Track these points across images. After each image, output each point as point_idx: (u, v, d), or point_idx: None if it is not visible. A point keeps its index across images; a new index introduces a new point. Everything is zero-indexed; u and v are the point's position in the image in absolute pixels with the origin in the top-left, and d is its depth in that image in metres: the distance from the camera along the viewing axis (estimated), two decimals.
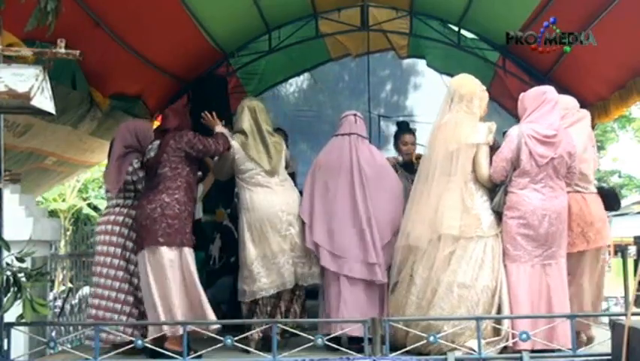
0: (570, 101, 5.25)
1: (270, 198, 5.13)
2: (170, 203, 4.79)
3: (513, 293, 4.72)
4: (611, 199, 5.47)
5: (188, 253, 4.82)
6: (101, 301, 4.98)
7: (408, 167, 5.82)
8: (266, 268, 5.07)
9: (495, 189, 4.88)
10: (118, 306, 4.96)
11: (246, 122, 5.28)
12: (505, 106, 8.58)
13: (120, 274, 5.01)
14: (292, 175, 5.86)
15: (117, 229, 5.06)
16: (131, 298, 4.99)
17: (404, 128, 6.13)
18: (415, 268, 4.83)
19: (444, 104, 5.02)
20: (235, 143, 5.24)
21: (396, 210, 5.17)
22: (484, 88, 5.09)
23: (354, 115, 5.46)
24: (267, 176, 5.18)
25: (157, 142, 4.99)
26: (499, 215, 4.84)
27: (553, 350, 4.53)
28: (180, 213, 4.81)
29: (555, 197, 4.76)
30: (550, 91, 4.92)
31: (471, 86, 4.99)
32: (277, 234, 5.09)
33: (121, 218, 5.08)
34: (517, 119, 5.15)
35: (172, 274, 4.74)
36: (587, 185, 5.08)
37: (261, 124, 5.27)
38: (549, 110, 4.82)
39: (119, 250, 5.03)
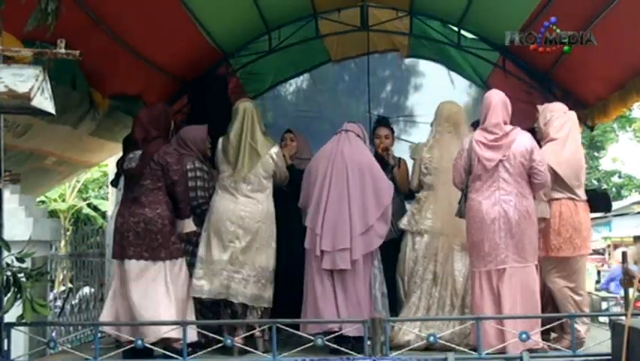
0: (556, 106, 5.40)
1: (226, 205, 5.09)
2: (153, 218, 4.81)
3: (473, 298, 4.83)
4: (602, 201, 5.52)
5: (173, 266, 4.83)
6: None
7: (379, 160, 5.88)
8: (203, 272, 5.05)
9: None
10: None
11: (232, 125, 5.29)
12: None
13: None
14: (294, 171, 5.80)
15: None
16: None
17: (380, 122, 6.40)
18: (435, 266, 5.33)
19: (434, 127, 5.68)
20: (220, 144, 5.28)
21: (374, 206, 5.19)
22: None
23: (351, 121, 5.64)
24: (235, 181, 5.14)
25: (138, 152, 4.95)
26: None
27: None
28: (163, 228, 4.82)
29: (508, 200, 4.74)
30: (488, 95, 5.05)
31: (461, 114, 5.72)
32: (220, 242, 5.05)
33: None
34: None
35: (141, 289, 4.75)
36: (578, 191, 5.11)
37: (244, 127, 5.21)
38: (492, 112, 4.90)
39: None
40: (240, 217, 5.06)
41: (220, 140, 5.31)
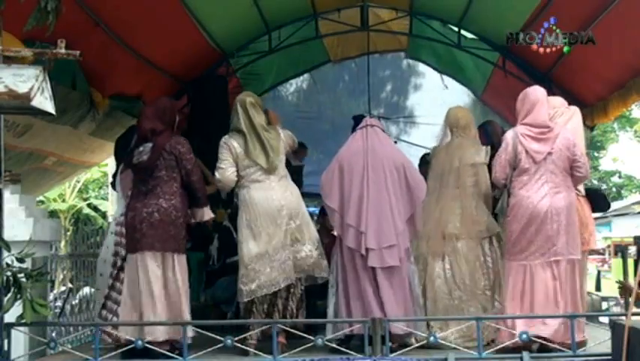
0: (557, 101, 5.34)
1: (268, 195, 5.07)
2: (168, 209, 4.78)
3: (510, 291, 4.76)
4: (600, 200, 5.53)
5: (179, 259, 4.82)
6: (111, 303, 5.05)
7: None
8: (267, 266, 4.98)
9: (498, 194, 5.10)
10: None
11: (240, 120, 5.21)
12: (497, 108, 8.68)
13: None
14: (300, 168, 5.87)
15: (119, 229, 5.13)
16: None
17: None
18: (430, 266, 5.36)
19: (442, 131, 5.69)
20: (234, 142, 5.19)
21: (409, 201, 5.17)
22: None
23: (370, 115, 5.72)
24: (265, 174, 5.12)
25: (149, 144, 4.89)
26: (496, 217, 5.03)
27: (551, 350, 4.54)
28: (176, 220, 4.80)
29: (557, 193, 4.77)
30: (532, 91, 5.00)
31: (468, 117, 5.67)
32: (278, 228, 5.01)
33: (122, 219, 5.09)
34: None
35: (161, 280, 4.75)
36: (581, 187, 5.14)
37: (254, 120, 5.17)
38: (539, 108, 4.89)
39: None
40: (286, 199, 5.10)
41: (228, 137, 5.20)
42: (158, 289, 4.73)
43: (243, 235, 5.08)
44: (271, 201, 5.06)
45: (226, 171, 5.12)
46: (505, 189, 4.94)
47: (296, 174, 5.92)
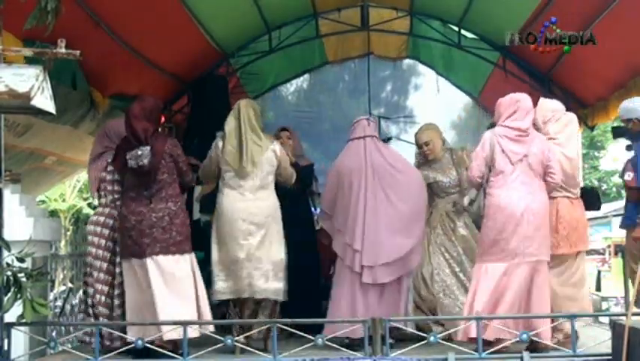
0: (556, 105, 5.36)
1: (234, 205, 5.07)
2: (177, 211, 4.82)
3: (480, 291, 4.76)
4: (592, 199, 5.56)
5: (192, 258, 4.90)
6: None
7: None
8: (224, 273, 5.07)
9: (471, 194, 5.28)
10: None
11: (228, 122, 5.23)
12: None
13: (102, 276, 5.05)
14: (309, 168, 5.89)
15: (99, 230, 5.09)
16: (108, 301, 5.02)
17: None
18: None
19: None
20: (220, 141, 5.20)
21: (413, 212, 5.23)
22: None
23: (367, 119, 5.61)
24: (239, 178, 5.10)
25: (147, 148, 4.78)
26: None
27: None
28: (185, 220, 4.90)
29: (532, 194, 4.79)
30: (524, 99, 5.01)
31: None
32: (234, 241, 5.03)
33: (102, 219, 5.09)
34: None
35: (180, 282, 4.76)
36: (575, 190, 5.17)
37: (242, 123, 5.14)
38: (522, 117, 4.92)
39: (102, 252, 5.06)
40: (250, 214, 5.04)
41: (218, 140, 5.22)
42: (163, 296, 4.70)
43: (212, 239, 5.18)
44: (235, 212, 5.06)
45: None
46: (481, 189, 4.96)
47: (306, 175, 5.93)
